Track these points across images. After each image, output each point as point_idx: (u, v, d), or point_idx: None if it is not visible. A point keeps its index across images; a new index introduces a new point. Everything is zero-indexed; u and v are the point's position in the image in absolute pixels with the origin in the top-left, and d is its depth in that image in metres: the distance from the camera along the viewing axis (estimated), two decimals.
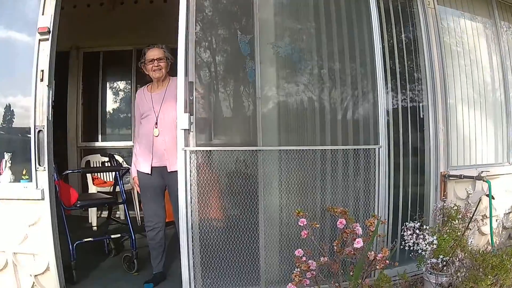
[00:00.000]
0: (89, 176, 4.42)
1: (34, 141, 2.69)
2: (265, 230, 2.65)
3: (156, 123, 2.80)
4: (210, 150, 2.60)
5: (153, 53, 2.87)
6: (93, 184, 4.45)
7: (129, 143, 5.02)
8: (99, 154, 4.66)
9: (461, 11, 3.49)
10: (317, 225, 2.52)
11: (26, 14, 2.97)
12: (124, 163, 4.69)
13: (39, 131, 2.71)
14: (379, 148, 2.84)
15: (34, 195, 2.67)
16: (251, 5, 2.74)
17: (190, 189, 2.56)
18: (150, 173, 2.81)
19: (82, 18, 4.64)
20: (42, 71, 2.72)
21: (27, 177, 2.76)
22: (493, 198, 3.07)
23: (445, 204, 2.91)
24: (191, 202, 2.56)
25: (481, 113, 3.46)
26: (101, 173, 4.81)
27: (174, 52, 2.77)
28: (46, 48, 2.76)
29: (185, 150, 2.57)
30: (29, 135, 2.76)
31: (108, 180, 4.74)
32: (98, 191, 4.16)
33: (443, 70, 3.12)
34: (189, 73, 2.61)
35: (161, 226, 2.87)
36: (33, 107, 2.71)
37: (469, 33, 3.48)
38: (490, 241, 3.17)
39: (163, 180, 2.83)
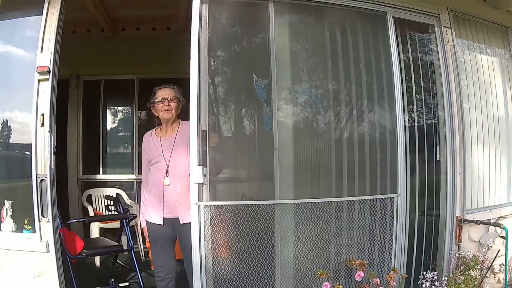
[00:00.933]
0: (91, 210, 4.25)
1: (36, 191, 2.53)
2: (281, 285, 2.57)
3: (167, 172, 2.64)
4: (226, 205, 2.48)
5: (164, 92, 2.70)
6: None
7: (131, 176, 4.87)
8: (101, 188, 4.50)
9: (476, 43, 3.40)
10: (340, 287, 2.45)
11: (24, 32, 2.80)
12: (128, 198, 4.60)
13: (41, 180, 2.54)
14: (398, 197, 2.75)
15: (39, 248, 2.53)
16: (267, 48, 2.61)
17: (205, 245, 2.43)
18: (161, 223, 2.69)
19: (82, 44, 4.37)
20: (43, 115, 2.55)
21: (30, 227, 2.59)
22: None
23: (460, 251, 2.87)
24: (205, 259, 2.43)
25: (495, 150, 3.38)
26: (102, 208, 4.63)
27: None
28: (46, 89, 2.58)
29: (199, 205, 2.45)
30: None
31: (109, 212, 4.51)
32: (100, 227, 4.03)
33: (462, 112, 3.03)
34: (202, 121, 2.48)
35: (171, 276, 2.72)
36: (33, 154, 2.54)
37: (484, 67, 3.40)
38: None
39: (174, 231, 2.69)
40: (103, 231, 4.28)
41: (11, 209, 2.65)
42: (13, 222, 2.64)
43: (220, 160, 2.55)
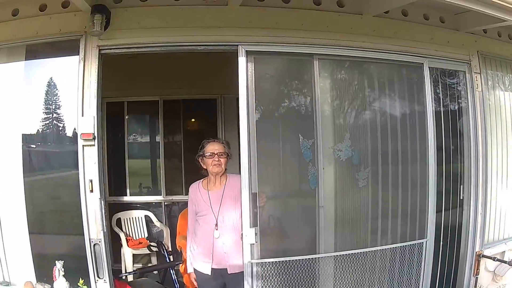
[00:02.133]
0: (122, 236, 4.31)
1: (91, 254, 2.58)
2: None
3: (216, 225, 2.76)
4: (275, 262, 2.64)
5: (214, 147, 2.73)
6: (128, 246, 4.31)
7: (159, 198, 4.88)
8: (129, 211, 4.52)
9: (501, 81, 3.50)
10: None
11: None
12: (157, 219, 4.64)
13: (95, 245, 2.60)
14: (426, 242, 2.97)
15: None
16: (312, 107, 2.69)
17: None
18: (209, 274, 2.84)
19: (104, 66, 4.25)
20: (91, 181, 2.56)
21: (85, 286, 2.63)
22: None
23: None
24: None
25: None
26: (135, 233, 4.69)
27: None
28: (92, 155, 2.58)
29: (252, 263, 2.61)
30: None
31: (140, 237, 4.65)
32: (133, 254, 4.08)
33: (486, 155, 3.20)
34: (252, 185, 2.60)
35: None
36: (85, 219, 2.56)
37: (507, 104, 3.53)
38: None
39: (222, 280, 2.82)
40: (135, 256, 4.35)
41: (63, 269, 2.66)
42: (66, 281, 2.65)
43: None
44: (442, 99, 3.08)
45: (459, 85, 3.17)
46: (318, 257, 2.70)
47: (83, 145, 2.56)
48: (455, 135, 3.17)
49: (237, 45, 2.59)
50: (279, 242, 2.76)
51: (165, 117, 4.87)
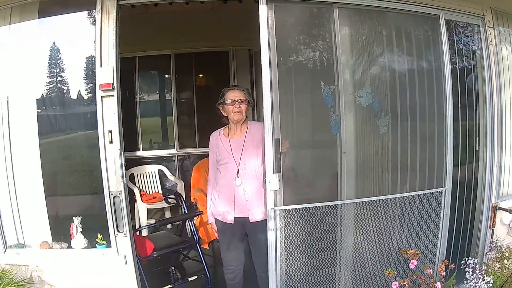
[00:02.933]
0: (136, 191, 4.27)
1: (111, 207, 2.58)
2: (344, 274, 2.82)
3: (238, 173, 2.74)
4: (298, 208, 2.65)
5: (235, 94, 2.72)
6: (142, 201, 4.33)
7: (172, 151, 4.84)
8: (143, 166, 4.47)
9: None
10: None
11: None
12: (169, 172, 4.58)
13: (114, 197, 2.59)
14: (445, 190, 2.99)
15: (116, 262, 2.63)
16: (333, 54, 2.69)
17: (280, 246, 2.63)
18: (231, 222, 2.82)
19: None
20: (111, 132, 2.56)
21: (103, 242, 2.65)
22: None
23: (494, 239, 3.19)
24: (280, 258, 2.64)
25: None
26: (148, 187, 4.64)
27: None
28: (112, 105, 2.57)
29: (275, 210, 2.61)
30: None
31: (153, 191, 4.61)
32: (148, 208, 4.04)
33: (500, 109, 3.22)
34: (275, 131, 2.60)
35: (240, 268, 2.91)
36: (104, 171, 2.56)
37: None
38: None
39: (244, 229, 2.83)
40: (149, 211, 4.34)
41: (80, 226, 2.67)
42: (84, 238, 2.67)
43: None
44: (458, 53, 3.11)
45: (474, 39, 3.20)
46: (341, 204, 2.71)
47: (101, 96, 2.55)
48: (470, 89, 3.19)
49: None
50: (301, 189, 2.76)
51: (176, 71, 4.82)
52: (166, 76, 4.98)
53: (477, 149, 3.25)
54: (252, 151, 2.71)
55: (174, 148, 4.90)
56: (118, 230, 2.62)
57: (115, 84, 2.55)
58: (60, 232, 2.81)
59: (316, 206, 2.68)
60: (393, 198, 2.84)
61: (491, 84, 3.18)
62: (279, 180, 2.59)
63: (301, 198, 2.70)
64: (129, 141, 4.78)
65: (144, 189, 4.68)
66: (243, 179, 2.73)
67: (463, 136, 3.16)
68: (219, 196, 2.83)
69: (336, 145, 2.70)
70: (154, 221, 4.23)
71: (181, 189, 4.60)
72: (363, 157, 2.79)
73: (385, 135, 2.81)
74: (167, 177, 4.80)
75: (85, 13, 2.71)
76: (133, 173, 4.67)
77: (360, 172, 2.79)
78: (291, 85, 2.69)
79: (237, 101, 2.71)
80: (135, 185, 4.60)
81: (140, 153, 4.90)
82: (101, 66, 2.56)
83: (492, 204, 3.26)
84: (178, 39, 4.55)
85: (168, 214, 4.54)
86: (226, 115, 2.78)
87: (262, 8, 2.59)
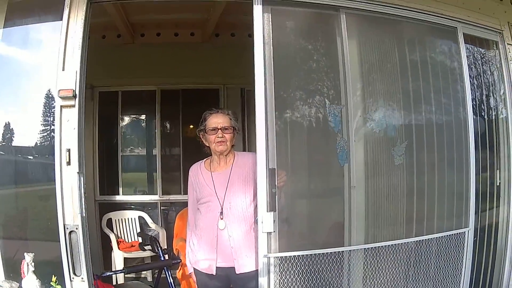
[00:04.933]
0: (113, 238, 3.81)
1: (65, 245, 2.06)
2: None
3: (221, 214, 2.23)
4: (297, 256, 2.13)
5: (217, 120, 2.23)
6: (119, 249, 3.86)
7: (154, 197, 4.44)
8: (122, 211, 4.07)
9: None
10: None
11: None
12: (152, 221, 4.27)
13: (70, 232, 2.07)
14: (468, 231, 2.55)
15: None
16: (340, 69, 2.26)
17: None
18: (213, 273, 2.29)
19: (97, 51, 3.75)
20: (69, 150, 2.06)
21: (58, 286, 2.08)
22: None
23: None
24: None
25: None
26: (128, 235, 4.23)
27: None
28: (72, 118, 2.08)
29: (269, 257, 2.09)
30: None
31: (132, 240, 4.20)
32: (124, 257, 3.60)
33: None
34: (270, 159, 2.10)
35: None
36: (59, 200, 2.06)
37: None
38: None
39: (229, 282, 2.29)
40: (127, 260, 3.92)
41: (32, 264, 2.13)
42: (37, 279, 2.11)
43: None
44: (477, 71, 2.76)
45: (494, 57, 2.86)
46: (349, 250, 2.21)
47: (60, 106, 2.08)
48: (490, 116, 2.83)
49: None
50: (301, 232, 2.25)
51: (162, 108, 4.47)
52: (151, 112, 4.59)
53: (498, 184, 2.85)
54: (239, 188, 2.20)
55: (157, 194, 4.50)
56: (74, 273, 2.10)
57: (77, 92, 2.08)
58: (12, 269, 2.27)
59: (318, 253, 2.16)
60: (412, 241, 2.37)
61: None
62: (274, 220, 2.07)
63: (301, 243, 2.19)
64: (109, 183, 4.47)
65: (122, 236, 4.23)
66: (228, 221, 2.19)
67: (483, 168, 2.76)
68: (199, 241, 2.28)
69: (343, 178, 2.22)
70: (122, 267, 3.70)
71: (163, 238, 4.18)
72: (375, 192, 2.30)
73: (400, 166, 2.36)
74: (148, 225, 4.39)
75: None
76: (110, 218, 4.22)
77: (371, 211, 2.31)
78: (290, 103, 2.21)
79: (220, 128, 2.21)
80: (112, 231, 4.15)
81: (120, 197, 4.45)
82: (63, 70, 2.11)
83: None
84: (165, 74, 4.27)
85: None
86: (207, 145, 2.28)
87: (257, 10, 2.15)
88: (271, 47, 2.16)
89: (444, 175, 2.53)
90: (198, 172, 2.33)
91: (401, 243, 2.34)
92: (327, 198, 2.32)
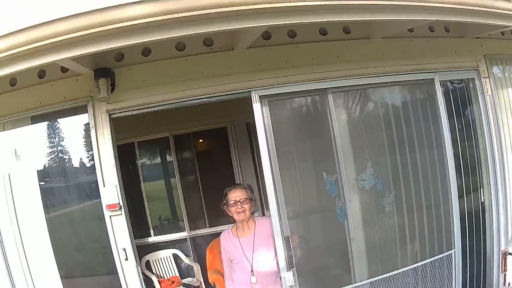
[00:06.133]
0: (154, 279, 4.23)
1: None
2: None
3: (252, 270, 2.74)
4: None
5: (236, 194, 2.73)
6: None
7: (183, 234, 4.81)
8: (157, 252, 4.43)
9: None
10: None
11: None
12: (183, 255, 4.60)
13: None
14: (454, 252, 3.00)
15: None
16: (331, 142, 2.68)
17: None
18: None
19: None
20: (125, 249, 2.53)
21: None
22: None
23: (508, 286, 3.25)
24: None
25: None
26: (166, 273, 4.58)
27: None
28: (121, 223, 2.53)
29: None
30: None
31: (172, 275, 4.57)
32: None
33: (502, 157, 3.19)
34: (284, 229, 2.59)
35: None
36: (123, 284, 2.54)
37: None
38: None
39: None
40: None
41: None
42: None
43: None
44: (454, 109, 3.08)
45: (470, 93, 3.17)
46: (356, 286, 2.75)
47: (110, 216, 2.51)
48: (470, 144, 3.18)
49: (250, 91, 2.52)
50: (316, 278, 2.77)
51: (177, 152, 4.83)
52: (167, 157, 4.97)
53: (482, 200, 3.27)
54: (263, 248, 2.71)
55: (185, 231, 4.87)
56: None
57: (121, 203, 2.52)
58: None
59: None
60: (405, 270, 2.85)
61: (491, 137, 3.14)
62: (293, 274, 2.60)
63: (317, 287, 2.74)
64: (140, 227, 4.72)
65: (161, 275, 4.60)
66: (258, 276, 2.73)
67: (467, 190, 3.16)
68: None
69: (344, 232, 2.70)
70: None
71: (198, 271, 4.54)
72: (371, 238, 2.77)
73: (391, 212, 2.80)
74: (182, 260, 4.75)
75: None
76: (148, 260, 4.59)
77: (370, 253, 2.78)
78: (294, 180, 2.67)
79: (239, 201, 2.71)
80: (152, 272, 4.52)
81: (152, 239, 4.81)
82: (104, 186, 2.53)
83: (502, 250, 3.31)
84: (177, 121, 4.62)
85: None
86: (231, 215, 2.79)
87: (256, 107, 2.54)
88: (272, 134, 2.56)
89: (431, 210, 2.93)
90: (227, 239, 2.85)
91: (399, 273, 2.83)
92: (333, 248, 2.81)
